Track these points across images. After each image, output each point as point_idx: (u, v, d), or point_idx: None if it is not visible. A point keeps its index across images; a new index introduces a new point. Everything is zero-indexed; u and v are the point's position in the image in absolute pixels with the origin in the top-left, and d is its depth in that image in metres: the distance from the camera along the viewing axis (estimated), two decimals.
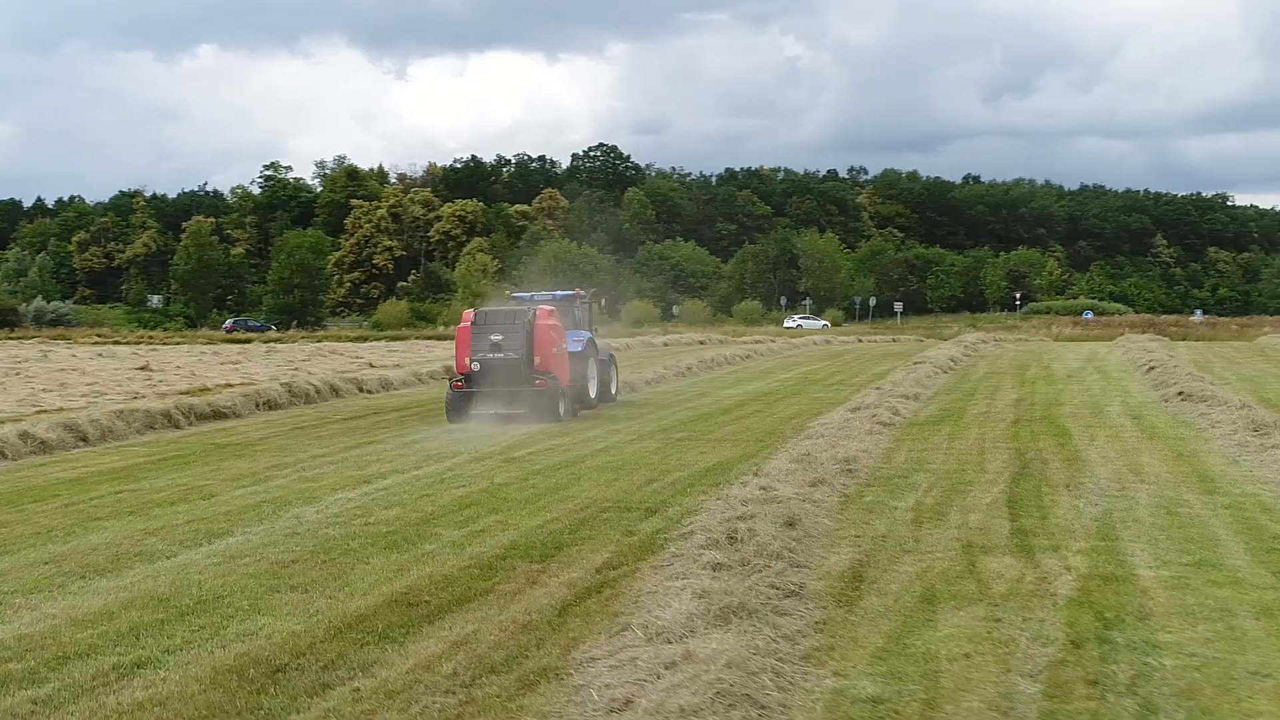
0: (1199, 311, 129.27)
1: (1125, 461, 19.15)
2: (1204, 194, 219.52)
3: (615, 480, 18.11)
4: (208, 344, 75.93)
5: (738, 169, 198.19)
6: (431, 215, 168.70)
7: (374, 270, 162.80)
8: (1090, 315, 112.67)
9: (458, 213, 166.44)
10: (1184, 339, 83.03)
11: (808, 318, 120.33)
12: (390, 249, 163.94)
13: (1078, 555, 12.67)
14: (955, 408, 27.89)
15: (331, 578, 12.24)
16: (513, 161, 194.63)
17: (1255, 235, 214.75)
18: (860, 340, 79.43)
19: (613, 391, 31.22)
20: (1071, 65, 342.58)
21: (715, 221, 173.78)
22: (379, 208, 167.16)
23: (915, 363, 39.30)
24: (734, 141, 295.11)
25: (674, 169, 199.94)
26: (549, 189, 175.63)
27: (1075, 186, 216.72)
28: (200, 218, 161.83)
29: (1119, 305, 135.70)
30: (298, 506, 16.20)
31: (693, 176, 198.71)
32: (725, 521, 13.68)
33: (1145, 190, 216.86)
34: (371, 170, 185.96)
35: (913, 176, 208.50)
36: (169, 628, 10.58)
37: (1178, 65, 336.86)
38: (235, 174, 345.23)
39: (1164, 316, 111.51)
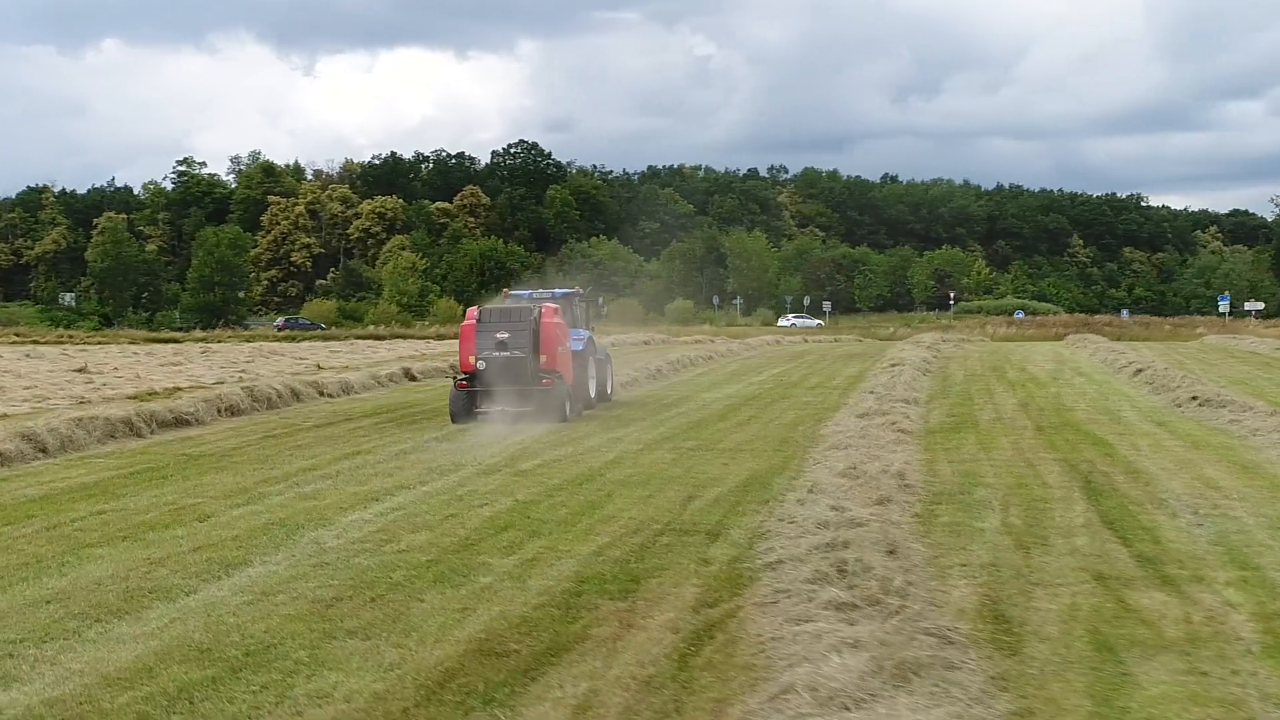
0: (1124, 311, 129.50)
1: (1190, 474, 17.88)
2: (1119, 194, 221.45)
3: (650, 497, 16.54)
4: (131, 343, 73.41)
5: (660, 167, 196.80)
6: (350, 212, 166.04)
7: (292, 268, 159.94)
8: (1021, 315, 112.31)
9: (377, 210, 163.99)
10: (1118, 338, 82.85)
11: (801, 316, 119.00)
12: (308, 246, 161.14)
13: (1229, 588, 11.34)
14: (962, 413, 26.59)
15: (389, 619, 10.63)
16: (431, 158, 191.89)
17: (1169, 236, 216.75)
18: (806, 340, 78.06)
19: (608, 392, 30.45)
20: (979, 67, 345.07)
21: (638, 220, 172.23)
22: (296, 204, 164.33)
23: (892, 364, 37.99)
24: (644, 140, 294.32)
25: (595, 167, 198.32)
26: (470, 186, 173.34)
27: (986, 187, 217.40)
28: (112, 214, 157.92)
29: (1049, 305, 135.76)
30: (311, 530, 14.50)
31: (614, 174, 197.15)
32: (817, 550, 12.29)
33: (1060, 190, 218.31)
34: (287, 166, 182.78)
35: (833, 176, 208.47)
36: (225, 689, 8.91)
37: (1083, 68, 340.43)
38: (142, 170, 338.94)
39: (1098, 316, 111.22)
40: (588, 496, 16.66)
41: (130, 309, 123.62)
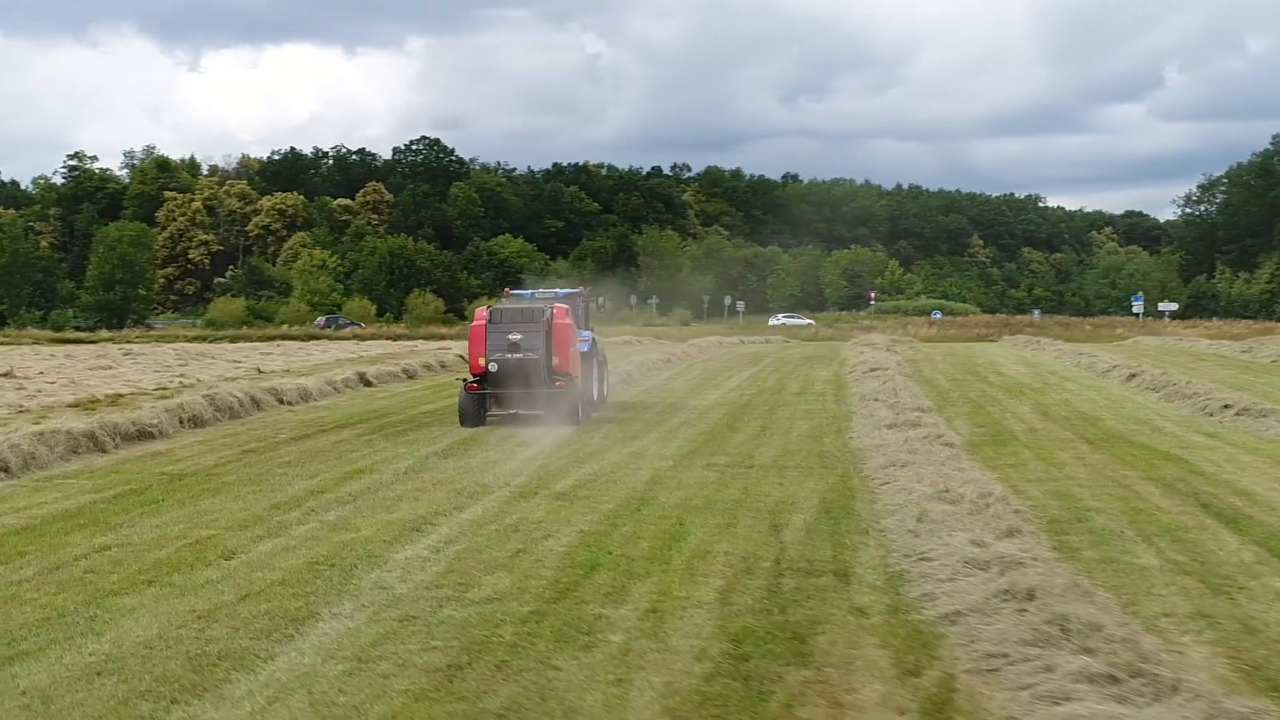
0: (1036, 311, 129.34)
1: None
2: (1017, 195, 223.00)
3: (730, 526, 14.67)
4: (35, 344, 70.19)
5: (565, 164, 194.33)
6: (249, 209, 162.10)
7: (189, 265, 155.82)
8: (939, 315, 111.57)
9: (277, 206, 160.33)
10: (1037, 339, 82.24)
11: (791, 316, 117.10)
12: (206, 243, 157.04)
13: None
14: (988, 423, 24.96)
15: (535, 698, 8.78)
16: (332, 154, 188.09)
17: (1066, 236, 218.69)
18: (742, 342, 76.08)
19: (604, 395, 29.38)
20: (866, 68, 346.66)
21: (543, 218, 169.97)
22: (193, 200, 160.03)
23: (873, 369, 36.29)
24: (534, 138, 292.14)
25: (499, 164, 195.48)
26: (373, 182, 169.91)
27: (885, 187, 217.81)
28: (1, 209, 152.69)
29: (965, 305, 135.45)
30: (366, 570, 12.49)
31: (518, 172, 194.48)
32: (997, 597, 10.55)
33: (958, 190, 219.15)
34: (183, 161, 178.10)
35: (736, 175, 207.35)
36: None
37: (968, 70, 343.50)
38: (24, 164, 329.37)
39: (1019, 316, 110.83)
40: (658, 525, 14.72)
41: (25, 308, 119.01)
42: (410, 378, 38.22)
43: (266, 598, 11.43)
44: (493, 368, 25.45)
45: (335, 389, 32.36)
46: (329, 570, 12.52)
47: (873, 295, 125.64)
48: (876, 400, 27.60)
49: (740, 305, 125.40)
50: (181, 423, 24.32)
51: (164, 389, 33.33)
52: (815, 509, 15.67)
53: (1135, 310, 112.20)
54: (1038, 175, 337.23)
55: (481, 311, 26.51)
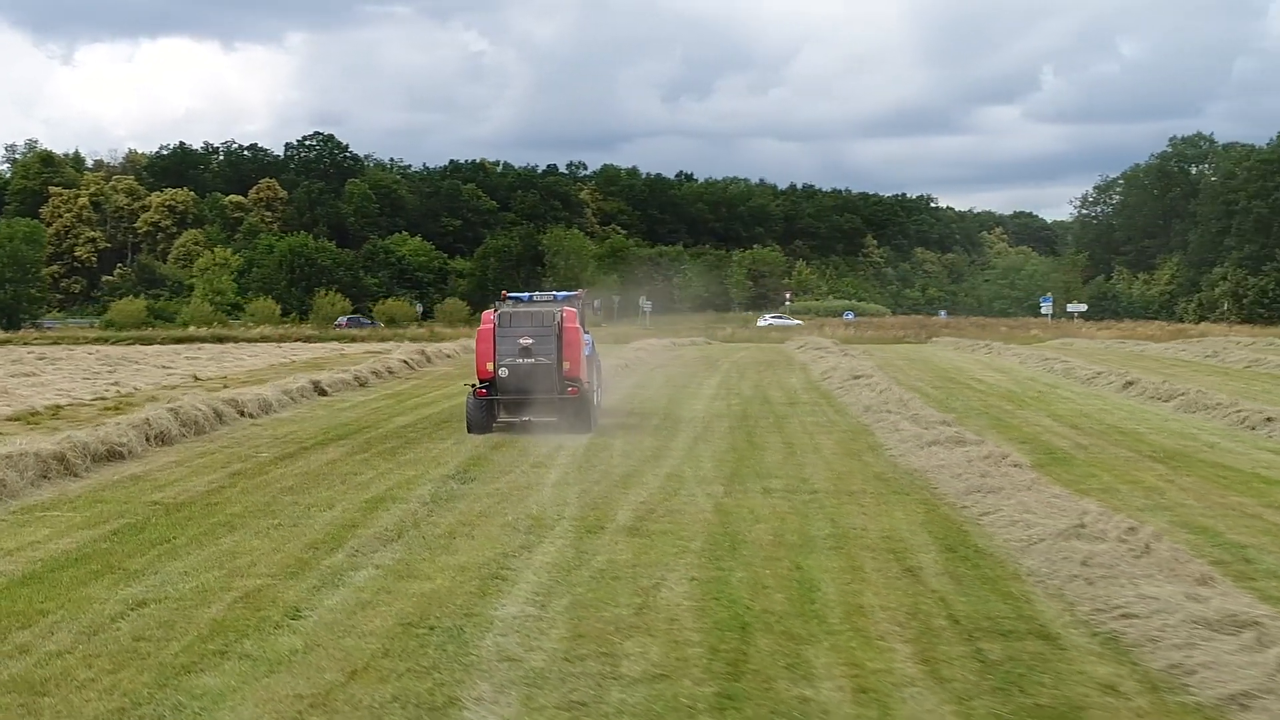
0: (942, 312, 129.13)
1: None
2: (909, 195, 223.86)
3: (854, 570, 12.92)
4: None
5: (462, 161, 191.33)
6: (137, 205, 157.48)
7: (75, 263, 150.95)
8: (851, 316, 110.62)
9: (167, 202, 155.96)
10: (977, 341, 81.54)
11: (778, 316, 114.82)
12: (94, 240, 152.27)
13: None
14: (1027, 440, 23.16)
15: None
16: (222, 150, 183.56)
17: (958, 237, 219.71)
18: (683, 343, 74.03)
19: (601, 401, 27.99)
20: (749, 68, 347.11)
21: (440, 216, 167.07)
22: (79, 196, 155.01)
23: (855, 376, 34.61)
24: (417, 135, 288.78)
25: (392, 160, 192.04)
26: (266, 179, 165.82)
27: (780, 186, 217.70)
28: None
29: (876, 306, 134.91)
30: (476, 635, 10.60)
31: (413, 169, 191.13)
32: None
33: (847, 189, 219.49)
34: (67, 156, 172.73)
35: (632, 173, 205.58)
36: None
37: (848, 71, 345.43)
38: None
39: (934, 318, 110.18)
40: (773, 570, 12.83)
41: None
42: (363, 385, 35.97)
43: (380, 676, 9.44)
44: (503, 373, 24.44)
45: (292, 399, 30.08)
46: (431, 635, 10.53)
47: (788, 296, 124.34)
48: (888, 411, 25.90)
49: (647, 306, 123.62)
50: (148, 440, 21.99)
51: (103, 399, 30.93)
52: (934, 547, 13.88)
53: (1044, 311, 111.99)
54: (916, 175, 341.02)
55: (488, 315, 25.31)
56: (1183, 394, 29.11)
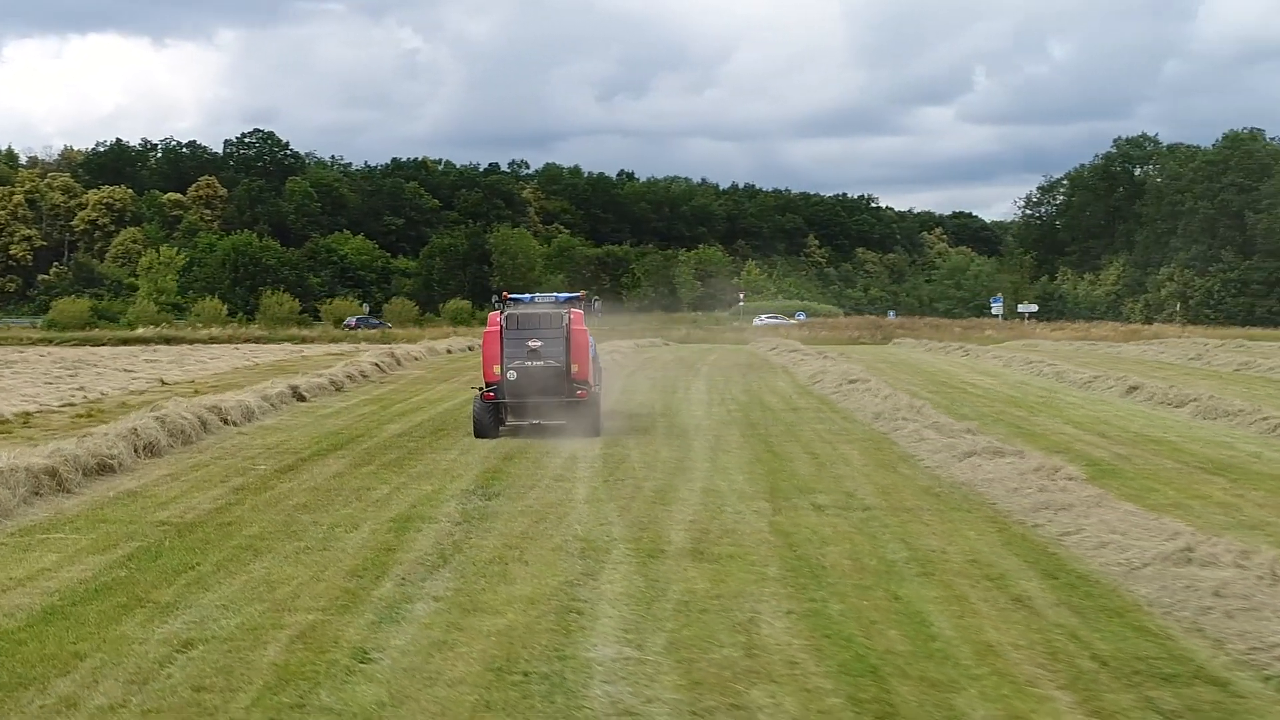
0: (891, 313, 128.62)
1: None
2: (850, 195, 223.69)
3: (958, 600, 11.95)
4: None
5: (404, 159, 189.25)
6: (74, 203, 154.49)
7: (10, 262, 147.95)
8: (803, 316, 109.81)
9: (104, 200, 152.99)
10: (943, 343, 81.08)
11: (774, 316, 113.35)
12: (29, 239, 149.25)
13: None
14: (1061, 450, 22.05)
15: None
16: (160, 147, 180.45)
17: (898, 237, 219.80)
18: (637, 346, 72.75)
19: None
20: (684, 68, 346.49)
21: (382, 214, 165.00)
22: (14, 193, 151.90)
23: (851, 380, 33.62)
24: (350, 133, 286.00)
25: (333, 158, 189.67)
26: (205, 176, 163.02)
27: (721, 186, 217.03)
28: None
29: (828, 306, 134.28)
30: (578, 681, 9.54)
31: (354, 167, 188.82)
32: None
33: (788, 189, 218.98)
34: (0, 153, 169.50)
35: (575, 172, 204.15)
36: None
37: (783, 71, 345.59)
38: None
39: (886, 318, 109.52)
40: (870, 602, 11.82)
41: None
42: (339, 390, 34.63)
43: None
44: (511, 376, 24.03)
45: (273, 405, 28.75)
46: (529, 683, 9.44)
47: (741, 296, 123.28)
48: (902, 419, 24.92)
49: (597, 306, 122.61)
50: (137, 450, 20.67)
51: (72, 405, 29.53)
52: (1031, 573, 12.87)
53: (994, 312, 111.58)
54: (851, 176, 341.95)
55: (494, 317, 24.92)
56: (1194, 399, 28.32)
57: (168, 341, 73.03)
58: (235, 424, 25.53)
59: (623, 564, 13.27)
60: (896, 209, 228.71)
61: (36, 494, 17.05)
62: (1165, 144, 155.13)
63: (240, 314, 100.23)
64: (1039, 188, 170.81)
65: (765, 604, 11.62)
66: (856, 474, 19.55)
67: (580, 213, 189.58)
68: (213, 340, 74.32)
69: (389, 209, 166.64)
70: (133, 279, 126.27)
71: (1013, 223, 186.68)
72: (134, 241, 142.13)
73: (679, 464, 20.62)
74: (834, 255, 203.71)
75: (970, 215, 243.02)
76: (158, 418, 22.47)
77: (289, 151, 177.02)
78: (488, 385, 24.40)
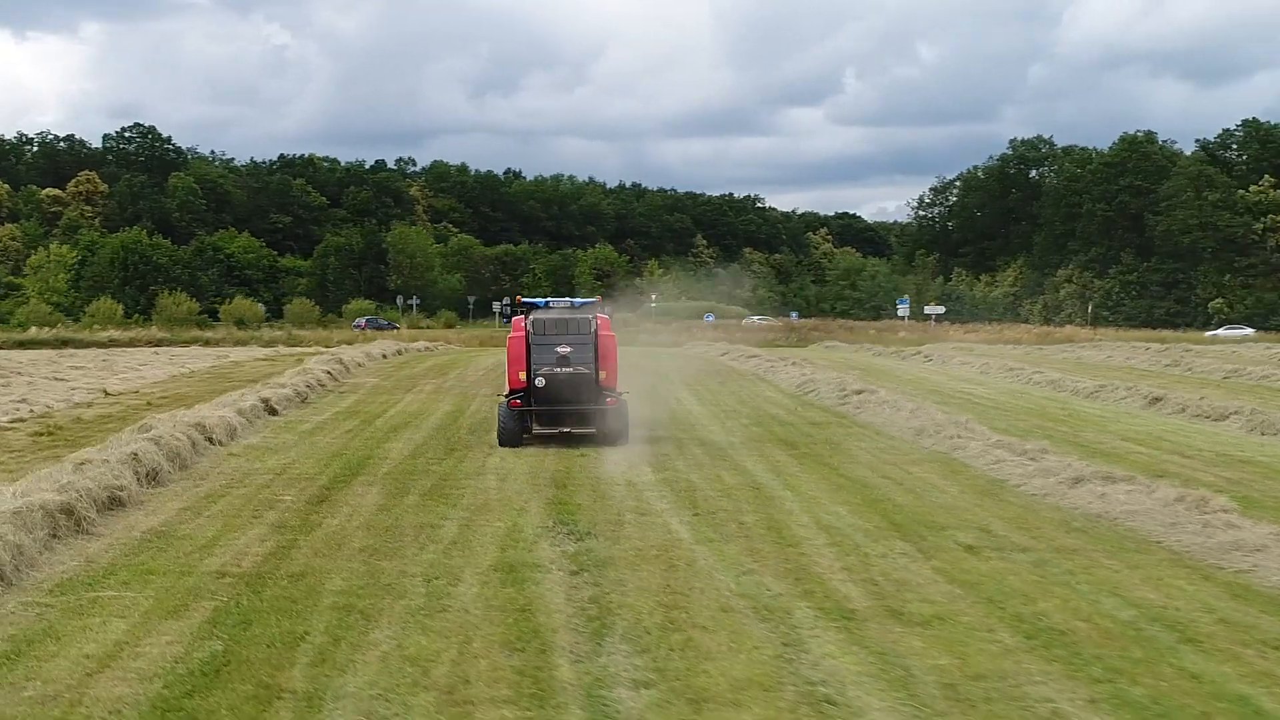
0: (794, 314, 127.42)
1: None
2: (736, 195, 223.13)
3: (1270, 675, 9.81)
4: None
5: (291, 156, 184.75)
6: None
7: None
8: (711, 318, 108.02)
9: None
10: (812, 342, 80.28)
11: (764, 317, 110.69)
12: None
13: None
14: (1172, 475, 20.20)
15: None
16: (36, 141, 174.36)
17: (784, 237, 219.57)
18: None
19: None
20: (555, 66, 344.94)
21: (269, 212, 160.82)
22: None
23: (858, 390, 31.65)
24: (218, 129, 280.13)
25: (213, 153, 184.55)
26: (85, 171, 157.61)
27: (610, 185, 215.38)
28: None
29: (738, 308, 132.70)
30: None
31: (240, 163, 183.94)
32: None
33: (673, 188, 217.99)
34: None
35: (462, 170, 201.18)
36: None
37: (654, 71, 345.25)
38: None
39: (804, 320, 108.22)
40: (1176, 684, 9.89)
41: None
42: (305, 401, 32.04)
43: None
44: (540, 383, 23.23)
45: (248, 419, 26.18)
46: None
47: (655, 296, 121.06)
48: (956, 437, 23.06)
49: (496, 307, 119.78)
50: (141, 480, 18.16)
51: (21, 420, 26.76)
52: (1203, 624, 11.06)
53: (900, 314, 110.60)
54: (723, 175, 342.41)
55: (519, 322, 23.94)
56: (1235, 412, 26.75)
57: (65, 344, 69.43)
58: (221, 443, 22.99)
59: (821, 630, 11.19)
60: (780, 209, 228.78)
61: (55, 536, 14.54)
62: (1060, 146, 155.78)
63: (136, 315, 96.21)
64: (931, 189, 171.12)
65: (1046, 688, 9.60)
66: (965, 505, 17.57)
67: (469, 211, 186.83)
68: (113, 343, 70.81)
69: (276, 206, 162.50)
70: (13, 278, 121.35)
71: (895, 224, 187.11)
72: (12, 239, 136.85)
73: (756, 492, 18.56)
74: (721, 255, 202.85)
75: (854, 216, 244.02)
76: (151, 439, 19.91)
77: (171, 146, 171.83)
78: (513, 392, 23.54)
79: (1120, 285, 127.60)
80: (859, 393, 30.95)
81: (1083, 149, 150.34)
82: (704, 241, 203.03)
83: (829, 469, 20.87)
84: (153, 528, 15.73)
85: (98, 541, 14.87)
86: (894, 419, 26.56)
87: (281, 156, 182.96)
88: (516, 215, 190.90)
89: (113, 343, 71.14)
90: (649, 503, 17.56)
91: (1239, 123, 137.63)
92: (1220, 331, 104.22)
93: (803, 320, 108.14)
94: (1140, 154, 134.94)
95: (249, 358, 55.44)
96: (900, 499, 17.94)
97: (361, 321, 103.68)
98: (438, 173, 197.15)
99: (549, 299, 26.12)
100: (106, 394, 33.13)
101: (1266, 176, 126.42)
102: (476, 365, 50.96)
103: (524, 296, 26.14)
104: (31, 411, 28.31)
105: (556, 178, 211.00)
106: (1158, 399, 30.37)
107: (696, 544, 14.80)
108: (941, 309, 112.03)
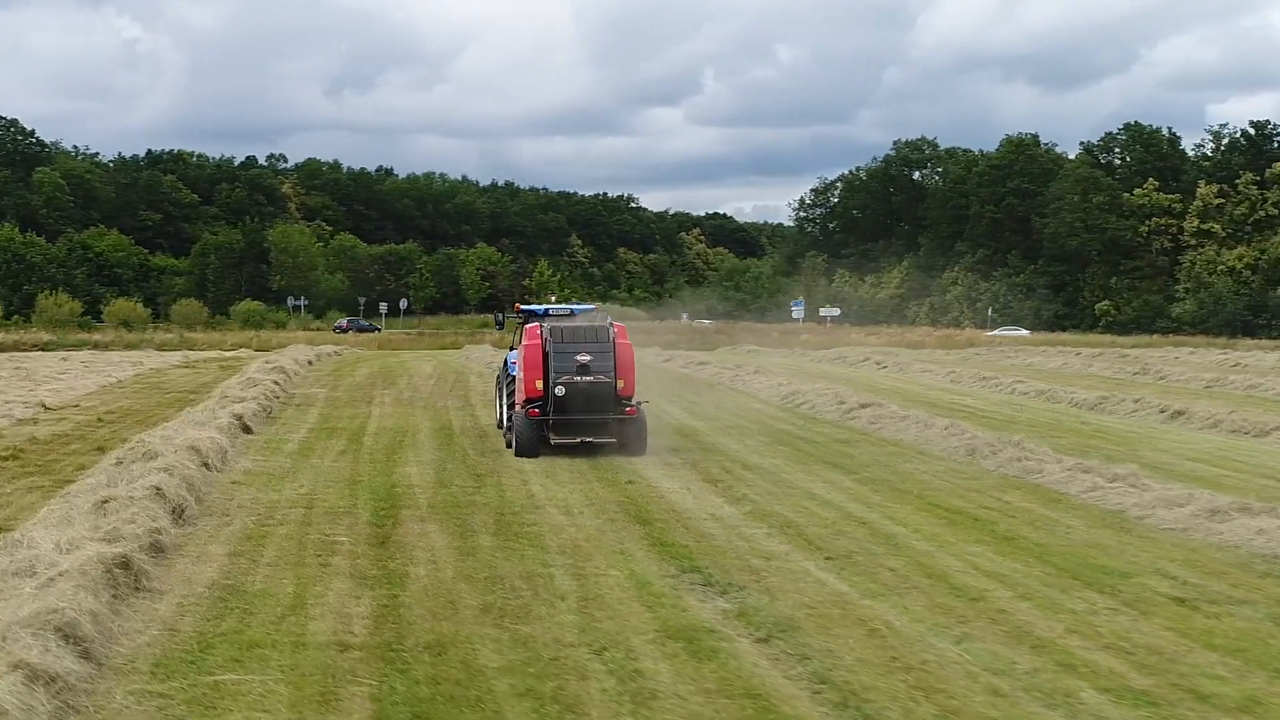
0: (685, 315, 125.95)
1: None
2: (610, 194, 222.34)
3: None
4: None
5: (159, 151, 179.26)
6: None
7: None
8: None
9: None
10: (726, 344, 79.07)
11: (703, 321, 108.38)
12: None
13: None
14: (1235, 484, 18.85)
15: None
16: None
17: (658, 237, 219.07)
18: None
19: None
20: (413, 64, 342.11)
21: (138, 209, 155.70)
22: None
23: (863, 405, 29.92)
24: (71, 123, 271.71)
25: (77, 148, 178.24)
26: None
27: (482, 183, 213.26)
28: None
29: (632, 309, 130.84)
30: None
31: (107, 158, 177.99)
32: None
33: (545, 187, 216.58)
34: None
35: (334, 167, 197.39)
36: None
37: (514, 70, 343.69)
38: None
39: (703, 323, 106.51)
40: None
41: None
42: (270, 416, 29.63)
43: None
44: (559, 391, 22.85)
45: (229, 440, 23.79)
46: None
47: (553, 298, 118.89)
48: (1019, 459, 21.43)
49: (382, 308, 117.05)
50: (172, 517, 15.88)
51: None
52: None
53: (795, 315, 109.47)
54: (583, 175, 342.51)
55: (534, 329, 23.61)
56: (1277, 428, 25.45)
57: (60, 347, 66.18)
58: (217, 469, 20.64)
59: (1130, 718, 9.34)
60: (653, 209, 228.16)
61: (116, 596, 12.26)
62: (944, 148, 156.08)
63: (15, 316, 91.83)
64: (812, 190, 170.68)
65: None
66: (1112, 543, 15.74)
67: (342, 209, 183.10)
68: (96, 346, 67.71)
69: (145, 203, 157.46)
70: None
71: (766, 224, 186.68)
72: None
73: (865, 527, 16.73)
74: (596, 255, 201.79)
75: (726, 216, 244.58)
76: (164, 469, 17.58)
77: (35, 139, 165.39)
78: (530, 401, 23.14)
79: (1008, 287, 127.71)
80: (865, 406, 29.19)
81: (966, 151, 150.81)
82: (579, 241, 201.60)
83: (914, 497, 19.06)
84: (215, 581, 13.48)
85: (163, 601, 12.62)
86: (928, 436, 24.88)
87: (149, 152, 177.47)
88: (390, 214, 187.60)
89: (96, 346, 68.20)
90: (758, 542, 15.64)
91: (1121, 126, 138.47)
92: (997, 332, 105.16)
93: (698, 324, 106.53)
94: (1026, 156, 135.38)
95: (165, 364, 52.49)
96: (1032, 535, 16.18)
97: (343, 323, 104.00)
98: (310, 170, 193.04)
99: (546, 306, 26.40)
100: (46, 408, 30.39)
101: (1151, 179, 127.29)
102: (417, 371, 49.25)
103: (521, 305, 26.86)
104: None
105: (429, 176, 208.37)
106: (1180, 412, 28.95)
107: (866, 599, 12.88)
108: (837, 310, 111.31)
